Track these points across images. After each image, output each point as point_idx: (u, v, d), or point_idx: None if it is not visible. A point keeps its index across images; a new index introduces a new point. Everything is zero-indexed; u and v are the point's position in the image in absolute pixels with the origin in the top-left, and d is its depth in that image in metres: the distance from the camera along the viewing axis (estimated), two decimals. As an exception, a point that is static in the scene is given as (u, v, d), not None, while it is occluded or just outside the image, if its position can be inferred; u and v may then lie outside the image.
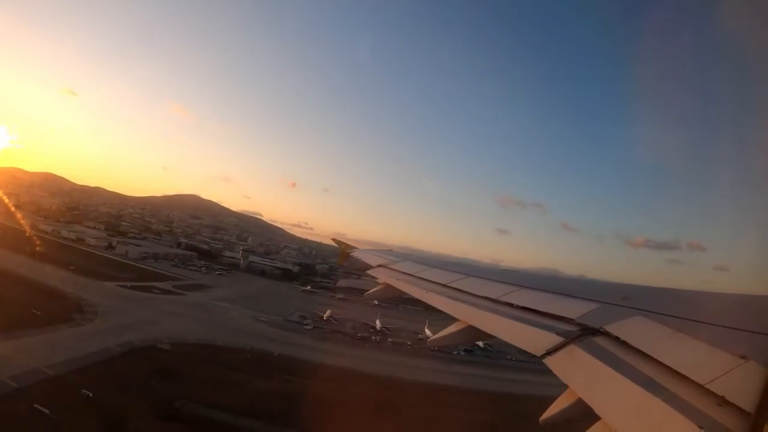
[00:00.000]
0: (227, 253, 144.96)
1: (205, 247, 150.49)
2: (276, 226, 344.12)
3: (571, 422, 3.49)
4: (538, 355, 3.95)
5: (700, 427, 2.41)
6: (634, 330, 3.74)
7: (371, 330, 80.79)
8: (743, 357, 2.75)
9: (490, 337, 5.08)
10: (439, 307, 6.44)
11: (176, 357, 49.16)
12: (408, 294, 8.03)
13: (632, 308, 4.23)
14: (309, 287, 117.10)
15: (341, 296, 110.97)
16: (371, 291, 9.33)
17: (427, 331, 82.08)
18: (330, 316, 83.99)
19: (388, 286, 8.63)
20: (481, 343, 78.57)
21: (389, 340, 76.73)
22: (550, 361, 3.80)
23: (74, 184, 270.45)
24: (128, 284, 79.25)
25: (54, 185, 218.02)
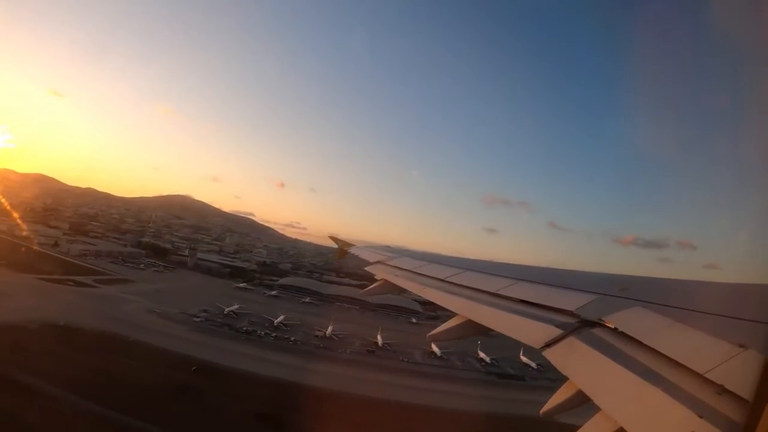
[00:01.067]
0: (186, 252, 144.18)
1: (167, 246, 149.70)
2: (267, 227, 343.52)
3: (571, 414, 3.50)
4: (538, 347, 3.94)
5: (700, 416, 2.41)
6: (632, 321, 3.73)
7: (266, 325, 79.61)
8: (742, 346, 2.74)
9: (490, 331, 5.08)
10: (437, 302, 6.43)
11: (34, 335, 54.03)
12: (406, 290, 8.01)
13: (630, 299, 4.23)
14: (244, 284, 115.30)
15: (274, 293, 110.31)
16: (369, 288, 9.28)
17: (329, 329, 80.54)
18: (233, 311, 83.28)
19: (386, 283, 8.61)
20: (380, 342, 77.75)
21: (274, 335, 75.65)
22: (549, 354, 3.80)
23: (65, 185, 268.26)
24: (47, 277, 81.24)
25: (44, 186, 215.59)
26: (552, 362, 3.69)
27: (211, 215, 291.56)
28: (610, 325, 3.80)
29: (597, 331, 3.84)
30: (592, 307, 4.36)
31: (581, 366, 3.52)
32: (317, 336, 78.30)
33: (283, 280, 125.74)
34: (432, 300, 6.63)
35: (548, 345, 3.90)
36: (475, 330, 5.35)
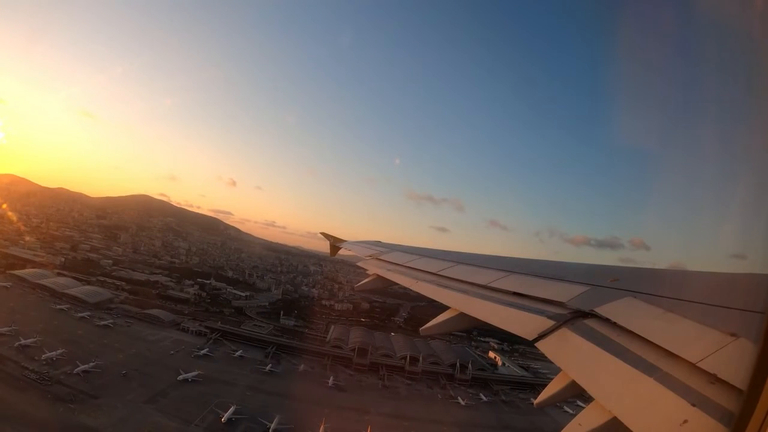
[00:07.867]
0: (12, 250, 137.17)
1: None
2: (232, 226, 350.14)
3: (565, 404, 3.51)
4: (530, 339, 3.94)
5: (693, 405, 2.41)
6: (624, 311, 3.75)
7: None
8: (733, 335, 2.75)
9: (482, 323, 5.07)
10: (429, 296, 6.41)
11: None
12: (398, 284, 7.99)
13: (622, 290, 4.25)
14: None
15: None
16: (362, 283, 9.24)
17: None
18: None
19: (379, 277, 8.57)
20: None
21: None
22: (542, 345, 3.80)
23: (36, 185, 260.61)
24: None
25: (13, 189, 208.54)
26: (545, 353, 3.69)
27: (162, 215, 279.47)
28: (603, 316, 3.81)
29: (589, 322, 3.84)
30: (584, 298, 4.38)
31: (574, 357, 3.53)
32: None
33: (21, 271, 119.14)
34: (424, 293, 6.61)
35: (541, 336, 3.90)
36: (467, 323, 5.34)
